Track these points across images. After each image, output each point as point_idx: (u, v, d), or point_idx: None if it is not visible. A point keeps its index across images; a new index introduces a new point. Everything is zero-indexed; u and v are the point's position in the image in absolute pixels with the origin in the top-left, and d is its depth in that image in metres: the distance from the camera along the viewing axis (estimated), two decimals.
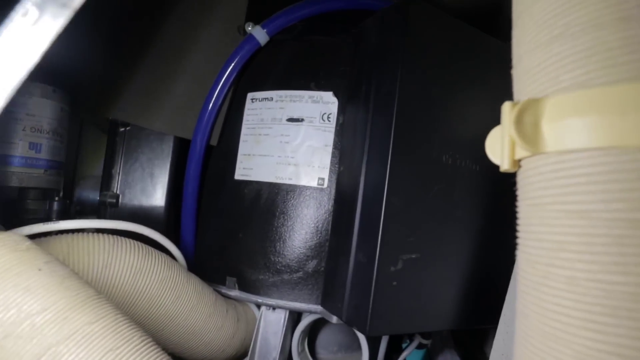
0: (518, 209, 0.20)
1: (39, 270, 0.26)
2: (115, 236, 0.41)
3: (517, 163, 0.20)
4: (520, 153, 0.19)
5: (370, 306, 0.39)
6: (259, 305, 0.54)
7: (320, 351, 0.61)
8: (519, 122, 0.18)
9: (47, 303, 0.25)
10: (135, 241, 0.42)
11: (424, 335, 0.51)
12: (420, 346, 0.53)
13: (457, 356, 0.64)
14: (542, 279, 0.17)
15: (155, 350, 0.27)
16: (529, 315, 0.19)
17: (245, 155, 0.53)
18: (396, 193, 0.41)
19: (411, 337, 0.53)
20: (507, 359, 0.41)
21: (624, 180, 0.15)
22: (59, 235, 0.39)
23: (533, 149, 0.17)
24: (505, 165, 0.19)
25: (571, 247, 0.16)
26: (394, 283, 0.41)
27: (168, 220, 0.57)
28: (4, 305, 0.24)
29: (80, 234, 0.39)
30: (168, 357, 0.27)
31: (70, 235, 0.39)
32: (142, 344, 0.26)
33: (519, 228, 0.20)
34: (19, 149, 0.46)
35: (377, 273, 0.40)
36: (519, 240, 0.20)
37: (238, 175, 0.53)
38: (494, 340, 0.42)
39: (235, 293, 0.51)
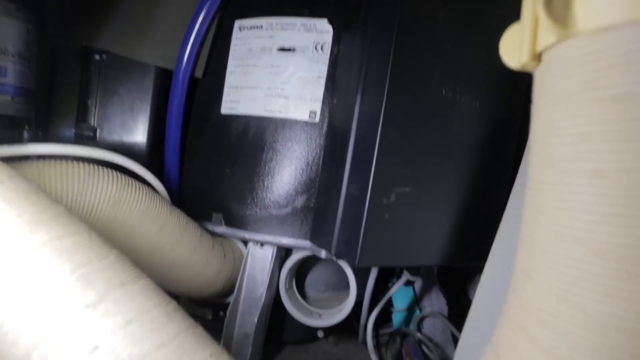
0: (533, 111, 0.18)
1: (1, 183, 0.24)
2: (91, 164, 0.38)
3: (539, 57, 0.18)
4: (544, 39, 0.16)
5: (361, 238, 0.38)
6: (246, 243, 0.53)
7: (308, 290, 0.61)
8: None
9: (8, 216, 0.22)
10: (114, 170, 0.40)
11: (411, 272, 0.51)
12: (407, 283, 0.53)
13: (443, 297, 0.65)
14: (561, 177, 0.16)
15: (133, 268, 0.25)
16: (541, 220, 0.17)
17: (232, 87, 0.50)
18: (392, 123, 0.39)
19: (399, 275, 0.53)
20: (493, 295, 0.41)
21: None
22: (29, 161, 0.36)
23: (563, 29, 0.15)
24: (524, 58, 0.17)
25: (599, 136, 0.15)
26: (386, 216, 0.40)
27: (150, 157, 0.54)
28: None
29: (53, 160, 0.37)
30: (147, 277, 0.25)
31: (41, 160, 0.36)
32: (118, 260, 0.25)
33: (532, 132, 0.19)
34: None
35: (369, 205, 0.39)
36: (532, 144, 0.18)
37: (224, 109, 0.50)
38: (482, 276, 0.42)
39: (221, 229, 0.50)
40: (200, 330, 0.25)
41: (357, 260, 0.39)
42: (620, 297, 0.15)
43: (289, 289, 0.56)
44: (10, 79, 0.43)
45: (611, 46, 0.14)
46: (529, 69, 0.18)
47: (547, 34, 0.16)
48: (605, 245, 0.15)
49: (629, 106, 0.14)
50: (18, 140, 0.45)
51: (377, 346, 0.60)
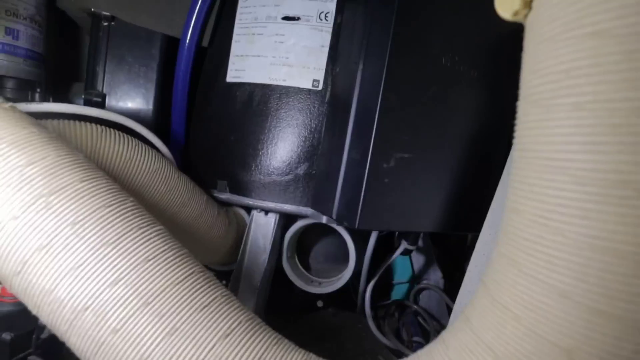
0: (523, 57, 0.20)
1: (23, 127, 0.25)
2: (102, 126, 0.40)
3: (529, 4, 0.19)
4: None
5: (361, 200, 0.40)
6: (249, 210, 0.54)
7: (309, 260, 0.63)
8: None
9: (34, 158, 0.24)
10: (124, 133, 0.41)
11: (410, 242, 0.53)
12: (405, 252, 0.55)
13: (439, 270, 0.67)
14: (545, 114, 0.17)
15: (149, 217, 0.27)
16: (527, 156, 0.19)
17: (237, 56, 0.51)
18: (393, 90, 0.40)
19: (398, 244, 0.55)
20: (487, 260, 0.43)
21: None
22: (43, 120, 0.37)
23: None
24: (516, 5, 0.19)
25: (579, 71, 0.16)
26: (386, 180, 0.41)
27: (157, 124, 0.56)
28: None
29: (66, 120, 0.38)
30: (159, 224, 0.27)
31: (55, 120, 0.37)
32: (134, 207, 0.26)
33: (522, 77, 0.20)
34: None
35: (370, 169, 0.40)
36: (521, 89, 0.20)
37: (230, 77, 0.51)
38: (477, 242, 0.44)
39: (226, 195, 0.52)
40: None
41: (357, 222, 0.41)
42: (595, 219, 0.16)
43: (290, 257, 0.58)
44: (22, 42, 0.45)
45: None
46: (520, 17, 0.20)
47: None
48: (583, 172, 0.16)
49: (605, 41, 0.15)
50: (30, 101, 0.47)
51: (375, 318, 0.62)
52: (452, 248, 0.74)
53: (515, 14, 0.19)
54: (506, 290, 0.19)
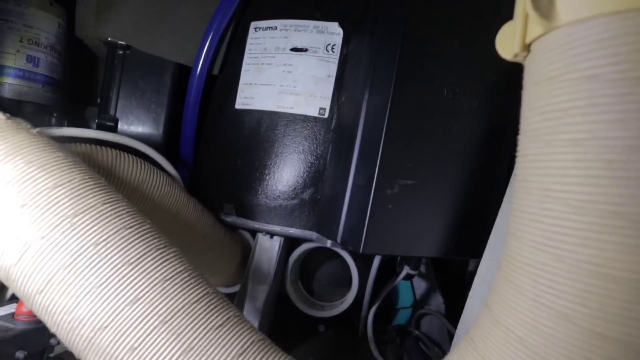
0: (522, 96, 0.21)
1: (52, 152, 0.27)
2: (117, 150, 0.41)
3: (527, 47, 0.21)
4: (533, 32, 0.19)
5: (366, 225, 0.41)
6: (254, 234, 0.55)
7: (312, 284, 0.63)
8: None
9: (61, 180, 0.25)
10: (136, 157, 0.42)
11: (412, 267, 0.54)
12: (407, 277, 0.55)
13: (440, 296, 0.68)
14: (545, 148, 0.19)
15: (165, 239, 0.28)
16: (527, 187, 0.20)
17: (246, 84, 0.53)
18: (397, 118, 0.42)
19: (400, 269, 0.55)
20: (489, 286, 0.44)
21: (632, 42, 0.16)
22: (62, 144, 0.39)
23: (547, 22, 0.18)
24: (516, 48, 0.20)
25: (576, 111, 0.17)
26: (390, 206, 0.42)
27: (167, 149, 0.57)
28: (19, 178, 0.24)
29: (83, 144, 0.39)
30: (174, 246, 0.28)
31: (72, 144, 0.39)
32: (152, 229, 0.27)
33: (522, 114, 0.21)
34: (17, 61, 0.45)
35: (374, 195, 0.41)
36: (521, 125, 0.21)
37: (239, 105, 0.53)
38: (478, 268, 0.45)
39: (232, 219, 0.53)
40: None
41: (361, 246, 0.42)
42: (594, 247, 0.17)
43: (293, 281, 0.58)
44: (42, 69, 0.47)
45: (586, 35, 0.17)
46: (519, 59, 0.21)
47: (534, 27, 0.19)
48: (581, 203, 0.17)
49: (600, 84, 0.17)
50: (47, 125, 0.48)
51: (376, 342, 0.62)
52: (453, 274, 0.75)
53: (515, 56, 0.21)
54: (509, 313, 0.20)
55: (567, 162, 0.18)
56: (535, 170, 0.19)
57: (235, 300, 0.54)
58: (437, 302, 0.66)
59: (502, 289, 0.21)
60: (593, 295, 0.17)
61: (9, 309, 0.32)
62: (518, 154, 0.21)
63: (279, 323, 0.62)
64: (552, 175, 0.18)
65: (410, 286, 0.65)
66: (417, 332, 0.63)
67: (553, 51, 0.19)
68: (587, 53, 0.17)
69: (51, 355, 0.31)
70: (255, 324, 0.53)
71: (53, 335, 0.30)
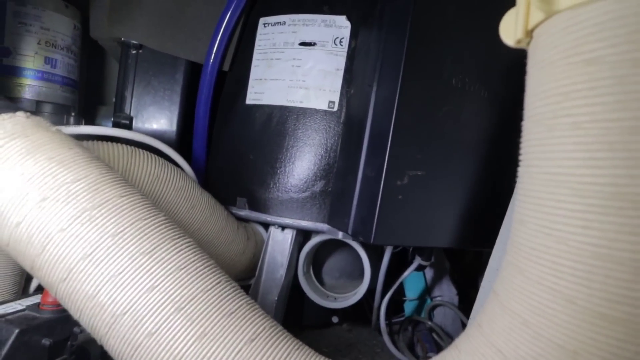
0: (527, 80, 0.21)
1: (70, 148, 0.28)
2: (132, 146, 0.43)
3: (530, 34, 0.21)
4: (535, 17, 0.20)
5: (376, 216, 0.41)
6: (267, 226, 0.56)
7: (324, 277, 0.64)
8: None
9: (79, 175, 0.26)
10: (151, 153, 0.44)
11: (423, 257, 0.54)
12: (419, 268, 0.55)
13: (454, 288, 0.68)
14: (547, 132, 0.19)
15: (179, 230, 0.29)
16: (531, 172, 0.20)
17: (256, 79, 0.54)
18: (406, 109, 0.42)
19: (411, 261, 0.56)
20: None
21: (631, 23, 0.16)
22: (80, 141, 0.40)
23: (549, 7, 0.18)
24: (519, 34, 0.20)
25: (576, 94, 0.18)
26: (400, 197, 0.43)
27: (180, 144, 0.59)
28: (41, 174, 0.26)
29: (100, 141, 0.41)
30: (188, 236, 0.29)
31: (90, 141, 0.40)
32: (166, 220, 0.28)
33: (526, 99, 0.22)
34: (35, 63, 0.47)
35: (384, 186, 0.42)
36: (525, 109, 0.21)
37: (249, 100, 0.54)
38: (490, 258, 0.45)
39: (245, 212, 0.54)
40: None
41: (372, 237, 0.42)
42: (595, 228, 0.17)
43: (306, 273, 0.59)
44: (59, 70, 0.48)
45: (586, 19, 0.17)
46: (523, 45, 0.21)
47: (536, 13, 0.19)
48: (583, 185, 0.17)
49: (599, 67, 0.17)
50: (65, 124, 0.50)
51: (390, 333, 0.63)
52: (467, 265, 0.74)
53: (518, 42, 0.21)
54: (515, 297, 0.20)
55: (568, 146, 0.18)
56: (539, 154, 0.20)
57: (249, 292, 0.55)
58: (451, 293, 0.66)
59: (508, 273, 0.21)
60: (595, 276, 0.17)
61: (35, 299, 0.34)
62: (522, 139, 0.22)
63: (293, 314, 0.63)
64: (555, 158, 0.19)
65: (423, 277, 0.66)
66: (430, 323, 0.64)
67: (554, 36, 0.19)
68: (586, 36, 0.17)
69: (74, 343, 0.33)
70: (270, 313, 0.54)
71: (76, 324, 0.31)
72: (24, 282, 0.38)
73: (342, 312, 0.65)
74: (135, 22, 0.53)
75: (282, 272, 0.55)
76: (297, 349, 0.25)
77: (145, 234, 0.26)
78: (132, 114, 0.55)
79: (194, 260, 0.27)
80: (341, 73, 0.50)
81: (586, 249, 0.18)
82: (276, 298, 0.54)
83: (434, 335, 0.63)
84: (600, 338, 0.17)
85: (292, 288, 0.58)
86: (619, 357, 0.17)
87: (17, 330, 0.28)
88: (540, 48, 0.20)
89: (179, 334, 0.23)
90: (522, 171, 0.21)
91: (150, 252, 0.25)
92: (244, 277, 0.60)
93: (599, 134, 0.17)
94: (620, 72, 0.16)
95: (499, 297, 0.22)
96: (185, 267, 0.26)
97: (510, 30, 0.22)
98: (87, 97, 0.63)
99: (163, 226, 0.27)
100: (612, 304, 0.17)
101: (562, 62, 0.18)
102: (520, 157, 0.22)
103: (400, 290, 0.66)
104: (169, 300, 0.24)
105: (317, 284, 0.61)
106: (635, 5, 0.16)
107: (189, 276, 0.25)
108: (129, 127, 0.55)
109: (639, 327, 0.17)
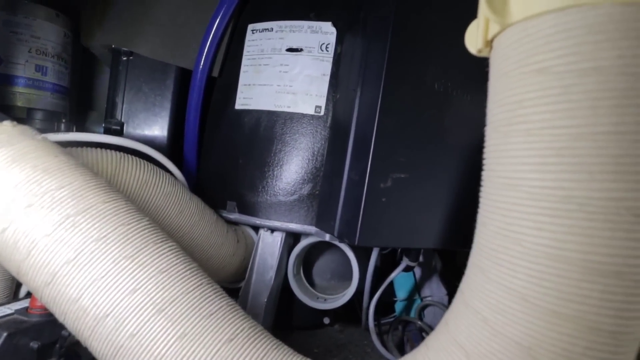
0: (488, 87, 0.22)
1: (55, 156, 0.29)
2: (121, 152, 0.43)
3: (490, 44, 0.22)
4: (492, 29, 0.21)
5: (360, 218, 0.42)
6: (257, 229, 0.57)
7: (315, 278, 0.65)
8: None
9: (63, 182, 0.27)
10: (139, 158, 0.45)
11: (411, 258, 0.55)
12: (407, 269, 0.56)
13: (443, 287, 0.68)
14: (504, 138, 0.20)
15: (162, 234, 0.30)
16: (490, 176, 0.21)
17: (245, 85, 0.55)
18: (389, 114, 0.43)
19: (399, 261, 0.56)
20: None
21: (576, 36, 0.17)
22: (69, 148, 0.41)
23: (502, 20, 0.19)
24: (479, 44, 0.21)
25: (529, 102, 0.19)
26: (384, 199, 0.43)
27: (171, 150, 0.59)
28: (26, 181, 0.26)
29: (87, 147, 0.42)
30: (171, 240, 0.30)
31: (77, 148, 0.41)
32: (150, 225, 0.29)
33: (487, 105, 0.22)
34: (26, 70, 0.48)
35: (368, 189, 0.42)
36: (487, 114, 0.22)
37: (238, 105, 0.55)
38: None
39: (235, 216, 0.55)
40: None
41: (357, 239, 0.43)
42: (547, 230, 0.18)
43: (296, 275, 0.60)
44: (50, 77, 0.49)
45: (536, 31, 0.18)
46: (484, 54, 0.22)
47: (493, 25, 0.20)
48: (535, 189, 0.18)
49: (548, 77, 0.18)
50: (56, 131, 0.51)
51: (380, 334, 0.63)
52: (458, 265, 0.75)
53: (479, 51, 0.22)
54: (477, 296, 0.21)
55: (522, 151, 0.19)
56: (496, 159, 0.20)
57: (240, 295, 0.56)
58: (441, 293, 0.67)
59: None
60: (548, 276, 0.18)
61: (24, 303, 0.35)
62: (485, 144, 0.23)
63: (284, 316, 0.64)
64: (510, 163, 0.19)
65: (413, 277, 0.66)
66: (420, 323, 0.64)
67: (508, 47, 0.20)
68: (536, 48, 0.18)
69: (63, 345, 0.33)
70: (260, 318, 0.55)
71: (64, 328, 0.32)
72: (14, 287, 0.39)
73: (334, 313, 0.66)
74: (126, 30, 0.54)
75: (272, 274, 0.56)
76: (275, 348, 0.26)
77: (128, 239, 0.26)
78: (123, 120, 0.56)
79: (176, 264, 0.27)
80: (327, 78, 0.51)
81: (539, 249, 0.18)
82: (266, 300, 0.55)
83: (424, 334, 0.63)
84: (553, 335, 0.18)
85: (283, 290, 0.58)
86: (571, 352, 0.18)
87: (5, 334, 0.29)
88: (498, 58, 0.21)
89: (159, 335, 0.24)
90: (483, 175, 0.22)
91: (132, 256, 0.26)
92: (235, 279, 0.61)
93: (548, 140, 0.18)
94: (567, 82, 0.17)
95: (464, 295, 0.23)
96: (167, 270, 0.26)
97: (473, 40, 0.23)
98: (78, 103, 0.64)
99: (146, 230, 0.28)
100: (563, 302, 0.18)
101: (516, 72, 0.19)
102: (483, 162, 0.23)
103: (391, 290, 0.67)
104: (150, 302, 0.25)
105: (308, 285, 0.61)
106: (580, 19, 0.17)
107: (171, 279, 0.26)
108: (120, 132, 0.56)
109: (589, 324, 0.18)
